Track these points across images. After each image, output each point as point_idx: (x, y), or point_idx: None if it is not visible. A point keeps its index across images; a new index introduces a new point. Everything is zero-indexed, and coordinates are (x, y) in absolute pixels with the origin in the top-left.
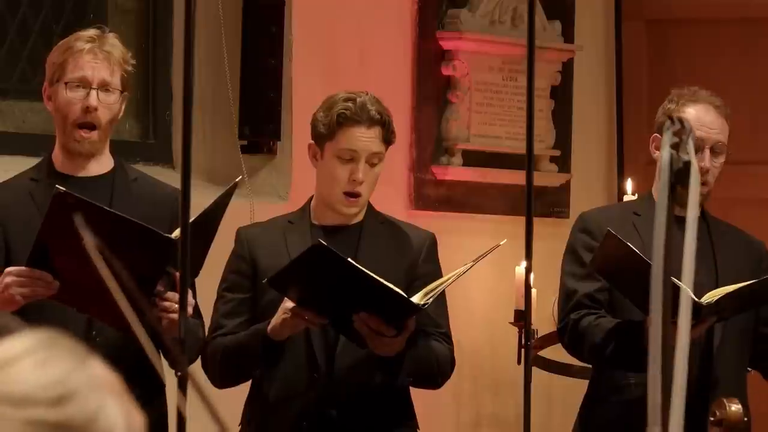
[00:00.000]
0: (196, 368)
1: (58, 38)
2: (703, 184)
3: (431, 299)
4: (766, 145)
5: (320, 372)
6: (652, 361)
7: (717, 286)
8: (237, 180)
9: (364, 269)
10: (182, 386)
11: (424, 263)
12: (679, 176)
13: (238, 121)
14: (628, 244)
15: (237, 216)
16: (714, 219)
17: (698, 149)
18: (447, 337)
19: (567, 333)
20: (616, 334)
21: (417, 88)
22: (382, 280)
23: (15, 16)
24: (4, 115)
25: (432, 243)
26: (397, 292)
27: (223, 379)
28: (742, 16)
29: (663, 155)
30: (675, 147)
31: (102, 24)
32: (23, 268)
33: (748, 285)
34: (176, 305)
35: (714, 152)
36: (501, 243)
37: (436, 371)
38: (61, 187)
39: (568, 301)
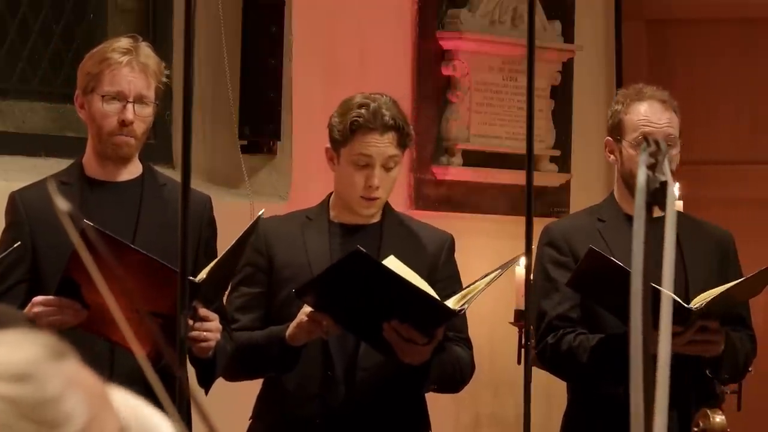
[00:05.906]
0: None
1: (58, 38)
2: None
3: (467, 305)
4: (766, 145)
5: (335, 373)
6: (633, 370)
7: (687, 287)
8: (260, 213)
9: (400, 275)
10: (180, 390)
11: (444, 265)
12: (656, 196)
13: (238, 121)
14: (612, 258)
15: (237, 216)
16: (680, 216)
17: None
18: (468, 342)
19: (548, 357)
20: (600, 351)
21: (417, 88)
22: (419, 285)
23: (15, 16)
24: (4, 115)
25: (451, 244)
26: (434, 298)
27: (235, 375)
28: (742, 16)
29: (639, 177)
30: (651, 168)
31: (102, 24)
32: (51, 297)
33: (734, 286)
34: (204, 333)
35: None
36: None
37: (458, 376)
38: (89, 222)
39: (540, 322)
